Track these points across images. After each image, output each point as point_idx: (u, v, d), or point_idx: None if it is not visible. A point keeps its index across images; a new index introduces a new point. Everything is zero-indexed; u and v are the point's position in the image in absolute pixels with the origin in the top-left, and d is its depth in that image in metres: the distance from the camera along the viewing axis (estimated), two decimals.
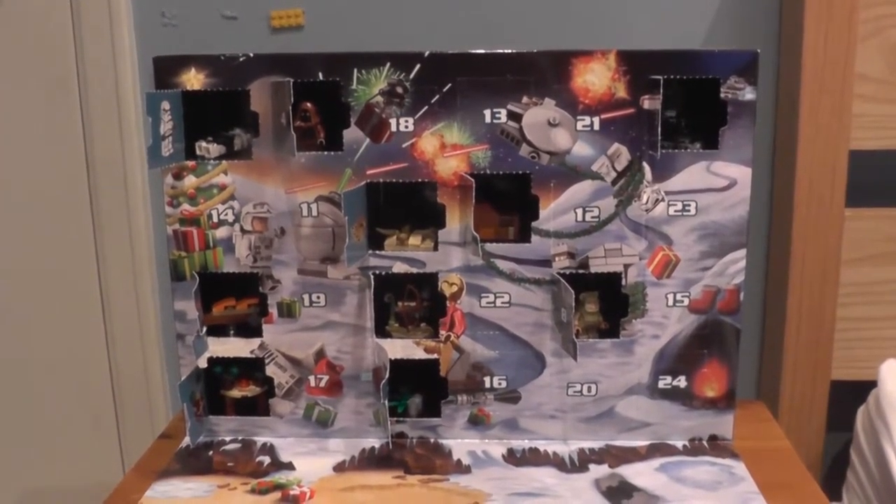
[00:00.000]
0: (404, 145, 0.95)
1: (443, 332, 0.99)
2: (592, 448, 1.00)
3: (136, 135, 1.28)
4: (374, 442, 1.02)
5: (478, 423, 1.02)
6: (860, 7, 1.09)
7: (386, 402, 0.96)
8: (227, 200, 0.98)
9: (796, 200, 1.14)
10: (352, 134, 0.95)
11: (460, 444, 1.01)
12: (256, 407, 1.03)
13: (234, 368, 1.02)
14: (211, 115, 0.96)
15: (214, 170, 0.98)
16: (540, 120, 0.94)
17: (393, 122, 0.95)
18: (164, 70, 0.95)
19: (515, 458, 0.98)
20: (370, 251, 0.98)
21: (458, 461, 0.98)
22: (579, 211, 0.96)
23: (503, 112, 0.94)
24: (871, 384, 1.14)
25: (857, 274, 1.17)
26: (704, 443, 1.01)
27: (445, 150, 0.95)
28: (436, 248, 0.97)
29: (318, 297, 0.99)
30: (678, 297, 0.98)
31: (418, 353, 0.99)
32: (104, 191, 1.31)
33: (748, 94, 0.93)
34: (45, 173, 1.32)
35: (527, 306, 0.98)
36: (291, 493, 0.91)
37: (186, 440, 1.01)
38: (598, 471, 0.95)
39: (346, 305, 0.99)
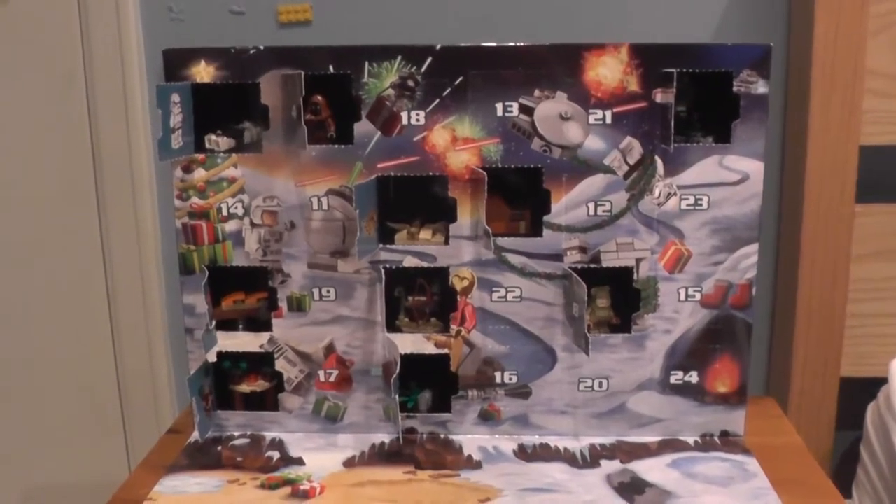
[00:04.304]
0: (415, 139, 0.95)
1: (453, 327, 0.98)
2: (604, 444, 0.99)
3: (142, 129, 1.28)
4: (384, 437, 1.01)
5: (488, 418, 1.01)
6: (871, 2, 1.09)
7: (396, 397, 0.96)
8: (237, 194, 0.98)
9: (806, 196, 1.14)
10: (363, 127, 0.95)
11: (471, 440, 1.01)
12: (265, 402, 1.02)
13: (243, 363, 1.02)
14: (221, 107, 0.95)
15: (224, 163, 0.97)
16: (552, 113, 0.94)
17: (404, 115, 0.94)
18: (174, 63, 0.95)
19: (526, 454, 0.98)
20: (381, 245, 0.97)
21: (469, 457, 0.97)
22: (591, 205, 0.96)
23: (515, 105, 0.94)
24: (882, 381, 1.14)
25: (867, 270, 1.16)
26: (716, 438, 1.00)
27: (457, 143, 0.95)
28: (447, 242, 0.96)
29: (328, 292, 0.99)
30: (690, 291, 0.97)
31: (429, 348, 0.98)
32: (111, 184, 1.30)
33: (761, 88, 0.92)
34: (51, 167, 1.32)
35: (538, 301, 0.98)
36: (301, 488, 0.90)
37: (195, 435, 1.01)
38: (610, 466, 0.95)
39: (357, 300, 0.99)
